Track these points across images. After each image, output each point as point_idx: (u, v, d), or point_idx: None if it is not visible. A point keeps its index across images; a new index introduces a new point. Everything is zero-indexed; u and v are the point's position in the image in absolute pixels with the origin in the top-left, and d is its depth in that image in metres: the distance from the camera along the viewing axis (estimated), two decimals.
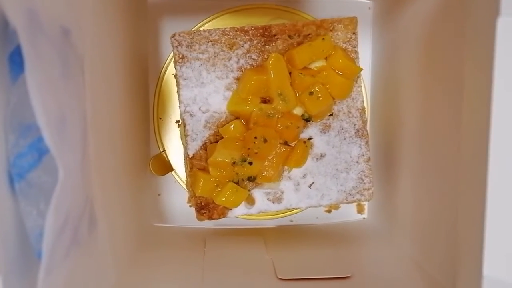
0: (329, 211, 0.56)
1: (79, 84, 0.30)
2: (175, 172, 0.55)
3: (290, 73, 0.44)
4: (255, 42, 0.44)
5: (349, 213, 0.56)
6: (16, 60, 0.23)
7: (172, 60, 0.46)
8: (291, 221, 0.56)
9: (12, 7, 0.22)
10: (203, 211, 0.46)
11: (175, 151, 0.55)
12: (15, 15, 0.22)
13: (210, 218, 0.46)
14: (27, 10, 0.23)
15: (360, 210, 0.57)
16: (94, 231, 0.33)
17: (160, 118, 0.54)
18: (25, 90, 0.22)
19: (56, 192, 0.23)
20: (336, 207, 0.56)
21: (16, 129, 0.24)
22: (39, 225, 0.24)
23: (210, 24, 0.53)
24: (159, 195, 0.55)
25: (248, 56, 0.45)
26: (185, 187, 0.54)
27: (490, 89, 0.24)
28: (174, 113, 0.54)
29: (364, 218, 0.56)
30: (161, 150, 0.54)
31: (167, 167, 0.54)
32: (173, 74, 0.50)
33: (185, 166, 0.52)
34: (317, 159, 0.46)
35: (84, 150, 0.30)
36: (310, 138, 0.46)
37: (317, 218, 0.56)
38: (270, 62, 0.43)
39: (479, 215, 0.27)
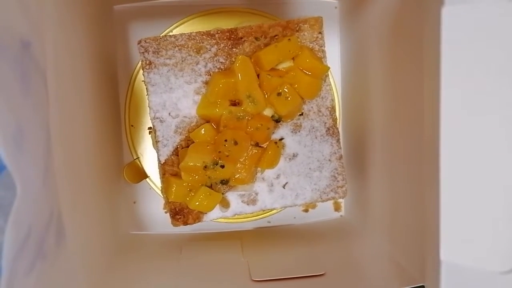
0: (306, 211, 0.56)
1: (41, 97, 0.30)
2: (149, 179, 0.54)
3: (258, 75, 0.44)
4: (222, 45, 0.45)
5: (326, 212, 0.57)
6: None
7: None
8: (269, 222, 0.56)
9: None
10: (178, 217, 0.45)
11: (149, 158, 0.54)
12: None
13: (185, 223, 0.46)
14: None
15: (337, 208, 0.57)
16: (62, 243, 0.32)
17: (132, 126, 0.54)
18: None
19: (14, 208, 0.23)
20: (313, 206, 0.56)
21: None
22: None
23: (179, 29, 0.53)
24: (134, 202, 0.55)
25: (216, 60, 0.45)
26: (160, 194, 0.54)
27: (439, 82, 0.25)
28: (147, 119, 0.54)
29: (341, 215, 0.57)
30: (135, 158, 0.54)
31: (141, 175, 0.54)
32: (143, 80, 0.50)
33: (159, 173, 0.52)
34: (289, 159, 0.46)
35: (47, 163, 0.29)
36: (281, 139, 0.46)
37: (294, 218, 0.56)
38: (237, 64, 0.43)
39: (437, 205, 0.27)
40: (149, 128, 0.54)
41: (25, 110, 0.26)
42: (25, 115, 0.25)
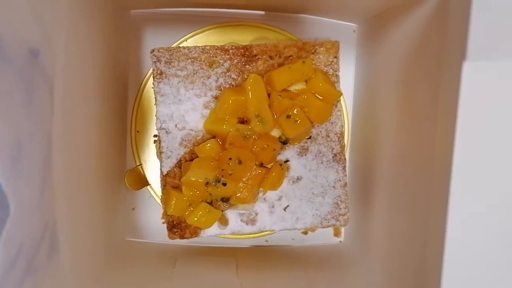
0: (305, 233, 0.56)
1: (45, 107, 0.29)
2: (150, 187, 0.54)
3: (269, 95, 0.43)
4: (235, 61, 0.44)
5: (325, 236, 0.56)
6: None
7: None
8: (267, 241, 0.55)
9: None
10: (175, 230, 0.45)
11: (152, 165, 0.54)
12: None
13: (182, 237, 0.45)
14: None
15: (336, 233, 0.56)
16: (55, 255, 0.32)
17: (138, 132, 0.53)
18: None
19: (7, 227, 0.22)
20: (313, 229, 0.55)
21: None
22: None
23: (193, 39, 0.53)
24: (133, 209, 0.54)
25: (228, 75, 0.44)
26: (160, 203, 0.53)
27: (454, 127, 0.24)
28: (153, 126, 0.53)
29: (340, 241, 0.56)
30: (137, 164, 0.54)
31: (142, 182, 0.53)
32: (153, 87, 0.49)
33: (160, 183, 0.51)
34: (293, 182, 0.46)
35: (45, 177, 0.29)
36: (287, 161, 0.46)
37: (292, 239, 0.55)
38: (249, 83, 0.42)
39: (441, 245, 0.26)
40: (155, 135, 0.53)
41: (26, 124, 0.25)
42: (26, 128, 0.25)
